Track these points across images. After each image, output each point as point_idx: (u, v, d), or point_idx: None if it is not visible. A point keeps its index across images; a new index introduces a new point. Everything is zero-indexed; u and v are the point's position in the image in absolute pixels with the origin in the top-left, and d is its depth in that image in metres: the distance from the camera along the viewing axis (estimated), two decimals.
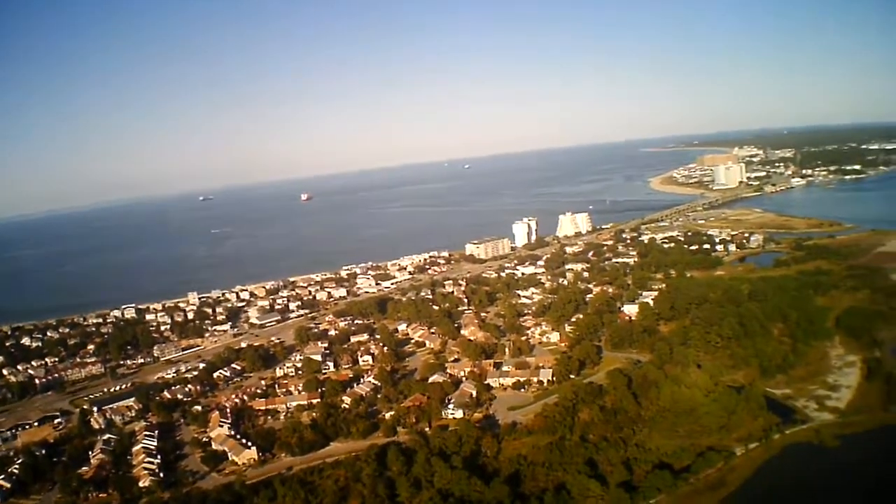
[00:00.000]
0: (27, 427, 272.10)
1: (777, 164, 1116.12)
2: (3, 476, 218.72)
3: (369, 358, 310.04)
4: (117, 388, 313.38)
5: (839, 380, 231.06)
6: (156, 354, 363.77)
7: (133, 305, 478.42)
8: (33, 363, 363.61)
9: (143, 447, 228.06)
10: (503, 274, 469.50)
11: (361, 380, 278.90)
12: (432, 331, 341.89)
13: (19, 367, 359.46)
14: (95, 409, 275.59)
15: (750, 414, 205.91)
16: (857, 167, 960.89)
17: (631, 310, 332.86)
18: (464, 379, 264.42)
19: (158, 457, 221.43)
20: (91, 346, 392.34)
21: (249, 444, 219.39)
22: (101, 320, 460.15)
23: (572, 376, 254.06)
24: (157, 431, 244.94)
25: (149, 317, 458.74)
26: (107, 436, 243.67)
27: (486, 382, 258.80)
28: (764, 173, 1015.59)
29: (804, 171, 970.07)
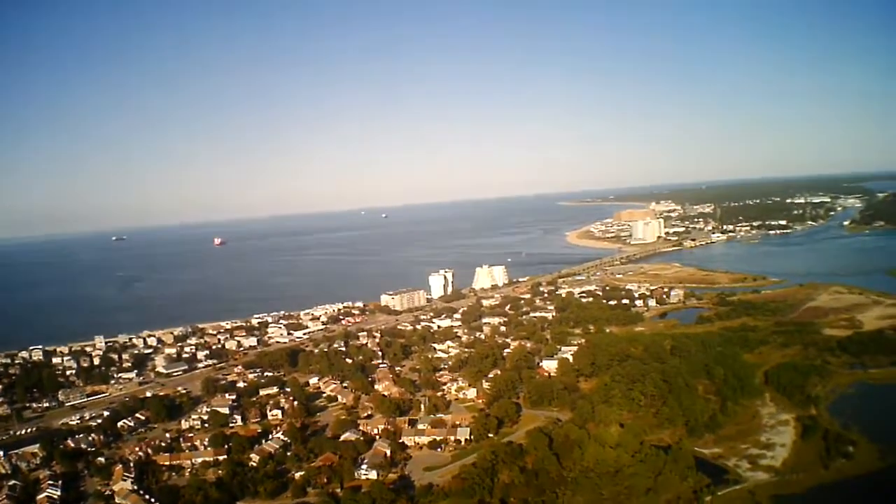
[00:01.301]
0: None
1: (696, 220, 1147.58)
2: None
3: (279, 412, 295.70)
4: (23, 431, 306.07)
5: (773, 438, 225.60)
6: (61, 399, 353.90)
7: (40, 347, 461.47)
8: None
9: (47, 496, 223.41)
10: (419, 326, 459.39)
11: (270, 435, 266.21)
12: (345, 385, 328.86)
13: None
14: (1, 453, 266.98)
15: (678, 475, 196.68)
16: (783, 222, 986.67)
17: (550, 365, 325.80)
18: (377, 437, 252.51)
19: None
20: None
21: (153, 500, 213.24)
22: (9, 360, 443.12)
23: (491, 435, 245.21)
24: (60, 481, 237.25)
25: (55, 360, 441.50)
26: (12, 482, 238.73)
27: (400, 441, 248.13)
28: (683, 228, 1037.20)
29: (725, 226, 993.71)
